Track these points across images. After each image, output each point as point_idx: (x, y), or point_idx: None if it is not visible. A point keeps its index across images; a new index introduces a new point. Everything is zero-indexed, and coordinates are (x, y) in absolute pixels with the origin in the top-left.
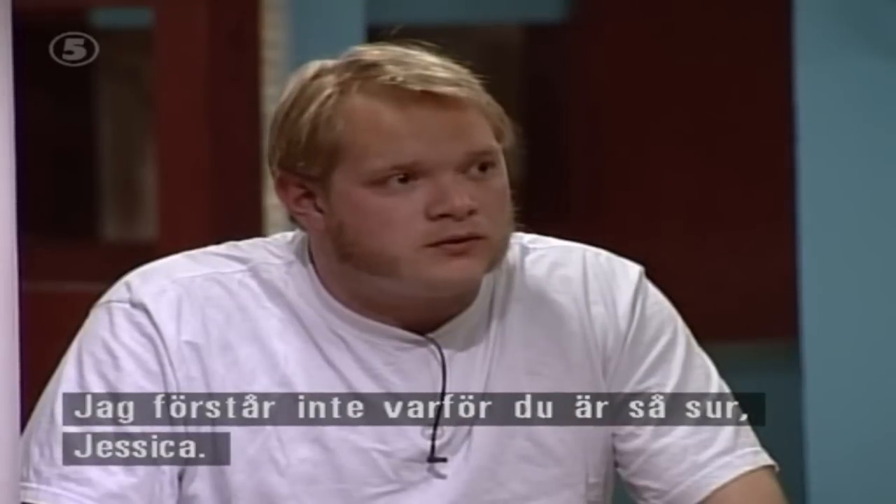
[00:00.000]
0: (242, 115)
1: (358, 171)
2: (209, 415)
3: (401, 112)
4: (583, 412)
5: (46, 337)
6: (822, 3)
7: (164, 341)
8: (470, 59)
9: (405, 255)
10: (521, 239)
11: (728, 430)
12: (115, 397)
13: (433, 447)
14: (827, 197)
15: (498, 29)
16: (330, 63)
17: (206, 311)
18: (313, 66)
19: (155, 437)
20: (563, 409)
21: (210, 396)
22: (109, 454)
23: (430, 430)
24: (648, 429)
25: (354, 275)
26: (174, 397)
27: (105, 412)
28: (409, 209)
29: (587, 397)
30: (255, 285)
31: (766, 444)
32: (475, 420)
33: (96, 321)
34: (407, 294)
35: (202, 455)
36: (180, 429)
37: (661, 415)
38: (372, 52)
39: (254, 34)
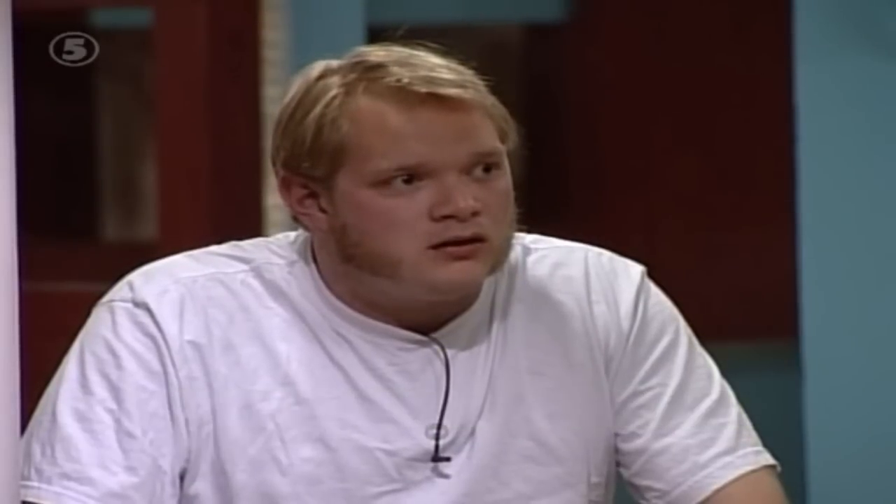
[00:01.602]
0: (242, 115)
1: (362, 171)
2: (211, 415)
3: (406, 113)
4: (585, 412)
5: (46, 337)
6: (822, 3)
7: (167, 341)
8: (470, 58)
9: (408, 257)
10: (523, 239)
11: (730, 430)
12: (117, 396)
13: (437, 447)
14: (827, 197)
15: (498, 29)
16: (335, 64)
17: (208, 310)
18: (318, 67)
19: (156, 436)
20: (566, 409)
21: (212, 396)
22: (111, 454)
23: (433, 430)
24: (650, 429)
25: (357, 275)
26: (176, 397)
27: (107, 411)
28: (412, 210)
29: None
30: (257, 285)
31: (766, 444)
32: (478, 419)
33: (98, 321)
34: (408, 296)
35: (204, 455)
36: (182, 428)
37: (663, 415)
38: (377, 53)
39: (254, 34)
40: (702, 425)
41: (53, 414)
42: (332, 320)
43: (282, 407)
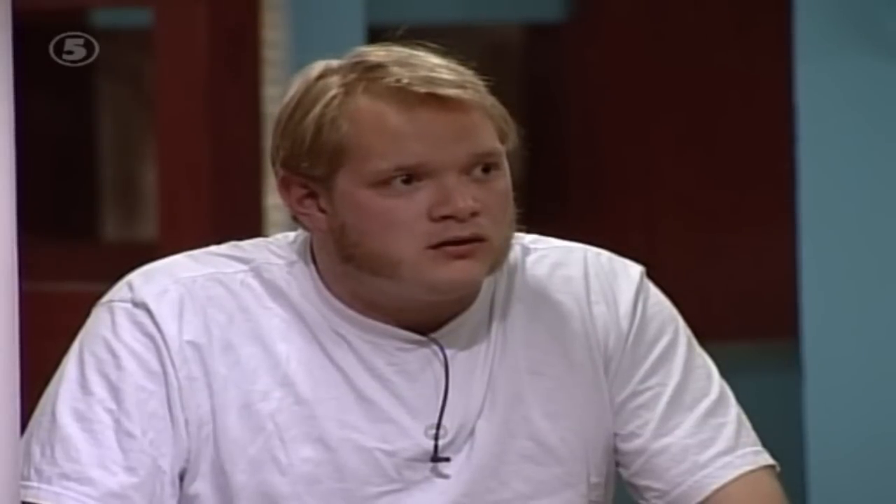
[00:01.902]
0: (242, 115)
1: (362, 172)
2: (211, 415)
3: (406, 114)
4: (584, 412)
5: (46, 337)
6: (822, 3)
7: (166, 341)
8: (470, 59)
9: (407, 258)
10: (523, 239)
11: (729, 430)
12: (117, 397)
13: (436, 447)
14: (827, 197)
15: (498, 29)
16: (335, 63)
17: (207, 311)
18: (318, 67)
19: (156, 436)
20: (565, 409)
21: (212, 396)
22: (111, 454)
23: (433, 430)
24: (649, 429)
25: (356, 275)
26: (175, 397)
27: (106, 411)
28: (412, 210)
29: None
30: (257, 285)
31: (766, 444)
32: (477, 419)
33: (98, 321)
34: (408, 296)
35: (203, 455)
36: (181, 429)
37: (662, 415)
38: (377, 53)
39: (254, 34)
40: (701, 425)
41: (53, 414)
42: (331, 320)
43: (281, 407)
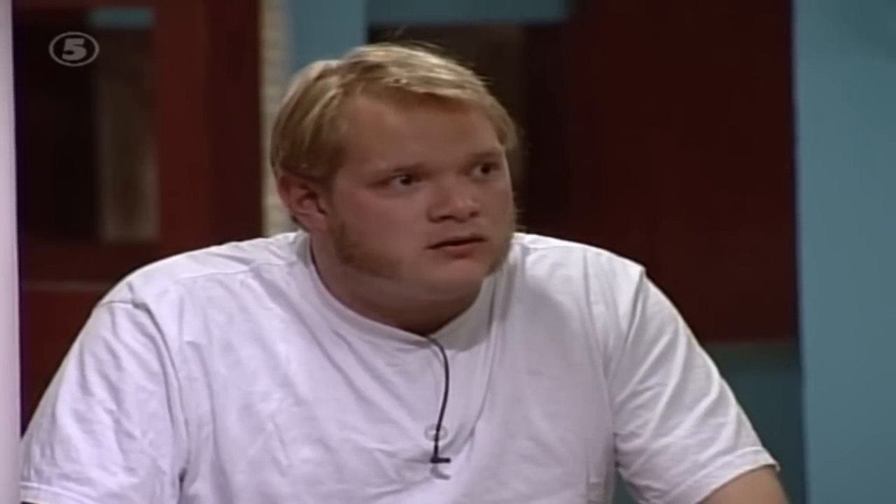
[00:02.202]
0: (242, 115)
1: (361, 172)
2: (211, 415)
3: (404, 114)
4: (584, 412)
5: (46, 337)
6: (822, 3)
7: (166, 342)
8: (469, 59)
9: (407, 258)
10: (522, 239)
11: (729, 430)
12: (117, 397)
13: (436, 447)
14: (827, 197)
15: (498, 29)
16: (334, 64)
17: (207, 311)
18: (317, 67)
19: (156, 437)
20: (565, 409)
21: (212, 397)
22: (110, 454)
23: (433, 431)
24: (649, 428)
25: (356, 276)
26: (176, 397)
27: (106, 412)
28: (411, 211)
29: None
30: (257, 286)
31: (766, 444)
32: (477, 420)
33: (98, 321)
34: (408, 296)
35: (203, 455)
36: (181, 429)
37: (662, 414)
38: (376, 54)
39: (254, 34)
40: (701, 425)
41: (53, 415)
42: (331, 321)
43: (281, 408)
